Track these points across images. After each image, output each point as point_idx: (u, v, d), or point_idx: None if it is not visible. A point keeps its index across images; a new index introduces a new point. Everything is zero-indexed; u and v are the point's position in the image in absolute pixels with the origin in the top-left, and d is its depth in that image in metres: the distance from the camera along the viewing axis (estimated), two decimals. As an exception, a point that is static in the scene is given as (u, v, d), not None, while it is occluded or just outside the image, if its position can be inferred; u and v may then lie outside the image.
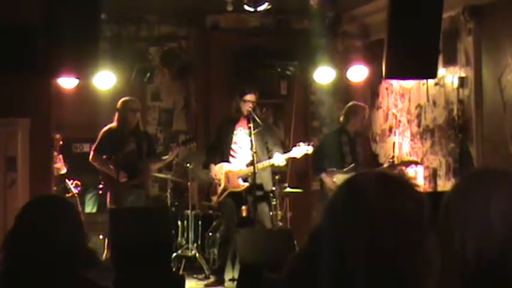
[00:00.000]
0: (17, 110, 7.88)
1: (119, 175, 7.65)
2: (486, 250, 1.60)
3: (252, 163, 7.58)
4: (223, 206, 7.95)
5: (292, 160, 8.10)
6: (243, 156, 7.81)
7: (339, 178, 7.95)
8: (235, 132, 7.83)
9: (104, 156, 7.82)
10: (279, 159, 7.66)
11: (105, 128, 7.91)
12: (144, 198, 8.14)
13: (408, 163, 8.42)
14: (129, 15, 9.56)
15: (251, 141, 7.61)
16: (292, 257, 1.76)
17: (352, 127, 8.03)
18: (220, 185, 7.86)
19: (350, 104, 8.24)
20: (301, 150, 7.73)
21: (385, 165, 8.16)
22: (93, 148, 7.95)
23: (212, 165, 7.92)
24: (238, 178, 7.80)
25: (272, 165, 7.74)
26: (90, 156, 7.89)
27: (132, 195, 7.83)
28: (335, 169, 7.98)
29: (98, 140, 7.92)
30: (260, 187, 7.78)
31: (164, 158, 8.17)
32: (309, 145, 7.75)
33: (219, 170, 7.86)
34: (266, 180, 7.87)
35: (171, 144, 8.33)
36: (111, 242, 6.98)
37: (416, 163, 8.61)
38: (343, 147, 8.03)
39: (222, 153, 7.93)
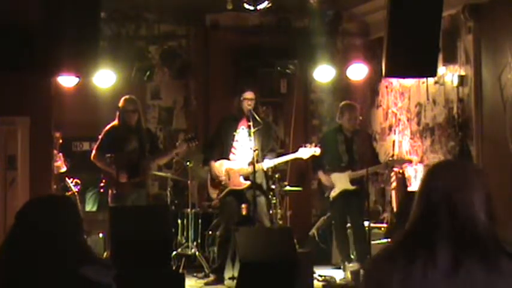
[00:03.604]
0: (17, 108, 7.88)
1: (119, 175, 7.65)
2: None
3: (253, 162, 7.59)
4: (223, 204, 7.96)
5: (297, 160, 8.11)
6: (243, 155, 7.82)
7: (335, 177, 7.96)
8: (237, 130, 7.85)
9: (109, 155, 7.81)
10: (269, 163, 7.71)
11: (107, 127, 7.91)
12: (145, 197, 8.14)
13: (402, 161, 8.42)
14: (129, 13, 9.55)
15: (252, 140, 7.62)
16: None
17: (346, 125, 8.03)
18: (221, 181, 7.87)
19: (342, 103, 8.24)
20: (309, 151, 7.74)
21: (383, 163, 8.17)
22: (95, 147, 7.95)
23: (212, 162, 7.93)
24: (239, 176, 7.81)
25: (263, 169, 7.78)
26: (92, 155, 7.89)
27: (134, 194, 7.83)
28: (332, 167, 7.99)
29: (99, 139, 7.92)
30: (260, 186, 7.79)
31: (175, 151, 8.15)
32: (316, 146, 7.75)
33: (220, 167, 7.88)
34: (262, 180, 7.88)
35: (177, 143, 8.30)
36: (111, 240, 6.98)
37: (410, 162, 8.62)
38: (339, 146, 8.03)
39: (222, 150, 7.94)
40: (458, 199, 2.24)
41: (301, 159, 7.88)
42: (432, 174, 2.33)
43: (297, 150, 7.87)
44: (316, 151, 7.73)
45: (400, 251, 2.23)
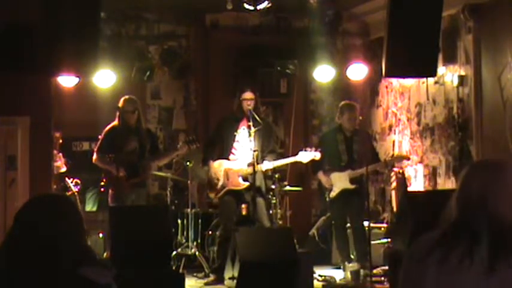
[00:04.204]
0: (17, 108, 7.88)
1: (119, 170, 7.64)
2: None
3: (253, 164, 7.58)
4: (222, 204, 7.95)
5: (296, 164, 8.09)
6: (242, 155, 7.81)
7: (335, 176, 7.96)
8: (238, 130, 7.84)
9: (110, 155, 7.80)
10: (268, 166, 7.70)
11: (107, 128, 7.90)
12: (145, 197, 8.14)
13: (401, 158, 8.40)
14: (129, 13, 9.56)
15: (252, 140, 7.61)
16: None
17: (346, 125, 8.03)
18: (218, 183, 7.87)
19: (342, 103, 8.24)
20: (309, 155, 7.71)
21: (383, 161, 8.16)
22: (95, 149, 7.95)
23: (211, 162, 7.92)
24: (238, 177, 7.80)
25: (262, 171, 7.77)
26: (94, 158, 7.89)
27: (134, 193, 7.83)
28: (331, 167, 7.98)
29: (100, 140, 7.92)
30: (258, 188, 7.76)
31: (176, 153, 8.16)
32: (316, 151, 7.73)
33: (218, 167, 7.87)
34: (261, 182, 7.86)
35: (178, 145, 8.29)
36: (111, 240, 6.98)
37: (408, 158, 8.61)
38: (339, 146, 8.03)
39: (222, 149, 7.93)
40: (493, 200, 2.31)
41: (300, 162, 7.86)
42: (469, 175, 2.41)
43: (297, 154, 7.85)
44: (316, 155, 7.71)
45: (438, 248, 2.30)
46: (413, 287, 2.35)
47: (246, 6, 7.63)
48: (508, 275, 2.22)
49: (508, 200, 2.32)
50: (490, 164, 2.49)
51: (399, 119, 9.45)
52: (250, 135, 7.65)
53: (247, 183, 7.75)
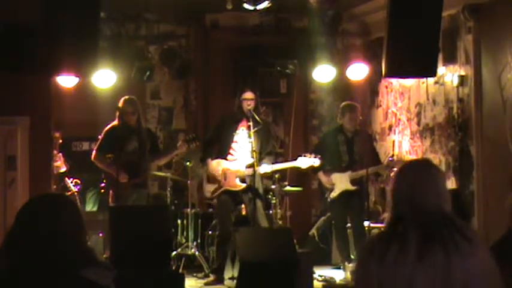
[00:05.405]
0: (17, 108, 7.88)
1: (119, 175, 7.63)
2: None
3: (251, 165, 7.57)
4: (219, 203, 7.94)
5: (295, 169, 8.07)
6: (241, 156, 7.81)
7: (336, 177, 7.96)
8: (237, 131, 7.83)
9: (109, 155, 7.79)
10: (266, 169, 7.69)
11: (108, 127, 7.90)
12: (146, 197, 8.13)
13: (403, 162, 8.39)
14: (129, 13, 9.56)
15: (251, 142, 7.60)
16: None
17: (347, 126, 8.03)
18: (220, 181, 7.86)
19: (343, 103, 8.24)
20: (308, 161, 7.70)
21: (384, 164, 8.16)
22: (95, 147, 7.95)
23: (209, 160, 7.91)
24: (236, 178, 7.79)
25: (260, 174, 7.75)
26: (92, 156, 7.88)
27: (135, 194, 7.82)
28: (332, 168, 7.98)
29: (100, 140, 7.91)
30: (256, 190, 7.75)
31: (175, 152, 8.15)
32: (315, 157, 7.71)
33: (217, 166, 7.86)
34: (258, 184, 7.85)
35: (178, 144, 8.29)
36: (111, 240, 6.98)
37: None
38: (340, 146, 8.03)
39: (220, 149, 7.93)
40: (417, 195, 2.60)
41: (299, 168, 7.85)
42: (398, 175, 2.72)
43: (296, 157, 7.85)
44: (316, 162, 7.70)
45: (377, 246, 2.59)
46: (364, 283, 2.61)
47: (246, 6, 7.63)
48: (437, 263, 2.47)
49: (433, 194, 2.59)
50: (417, 163, 2.89)
51: (399, 119, 9.45)
52: (249, 136, 7.64)
53: (244, 185, 7.75)
